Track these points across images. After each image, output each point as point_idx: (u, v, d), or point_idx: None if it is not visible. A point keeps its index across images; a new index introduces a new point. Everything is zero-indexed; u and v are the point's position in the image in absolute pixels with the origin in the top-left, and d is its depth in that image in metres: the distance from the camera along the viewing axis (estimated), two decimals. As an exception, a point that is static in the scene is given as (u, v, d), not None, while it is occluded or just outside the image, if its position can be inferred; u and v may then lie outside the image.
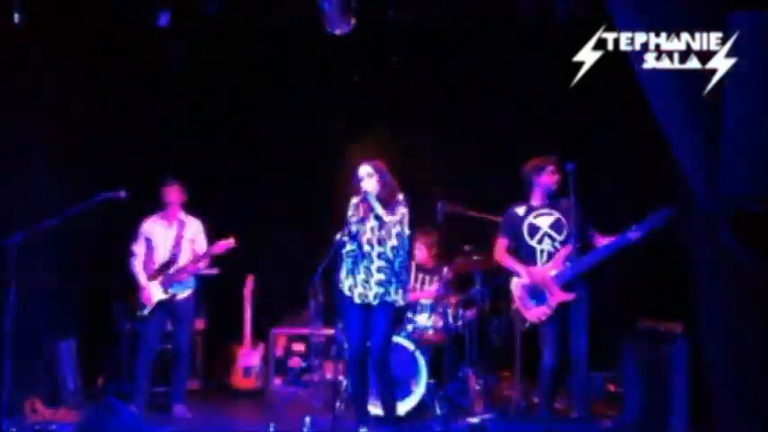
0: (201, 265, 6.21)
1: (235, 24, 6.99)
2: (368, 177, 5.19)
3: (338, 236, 5.10)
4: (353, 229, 5.14)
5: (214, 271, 6.73)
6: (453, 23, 6.86)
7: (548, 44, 6.00)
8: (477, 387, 6.21)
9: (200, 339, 7.05)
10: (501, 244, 5.58)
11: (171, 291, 6.07)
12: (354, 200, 5.25)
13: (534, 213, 5.48)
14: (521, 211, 5.53)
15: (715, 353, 5.24)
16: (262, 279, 7.02)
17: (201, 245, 6.25)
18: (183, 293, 6.14)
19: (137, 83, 6.95)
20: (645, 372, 5.65)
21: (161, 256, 6.15)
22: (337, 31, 6.46)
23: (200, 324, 7.04)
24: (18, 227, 5.34)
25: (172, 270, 6.09)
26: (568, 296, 5.23)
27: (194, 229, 6.27)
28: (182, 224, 6.22)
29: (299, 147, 7.57)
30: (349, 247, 5.17)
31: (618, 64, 4.84)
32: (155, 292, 6.07)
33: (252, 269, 6.99)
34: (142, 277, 6.11)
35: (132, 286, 6.16)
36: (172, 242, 6.16)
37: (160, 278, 6.09)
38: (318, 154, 7.57)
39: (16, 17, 5.20)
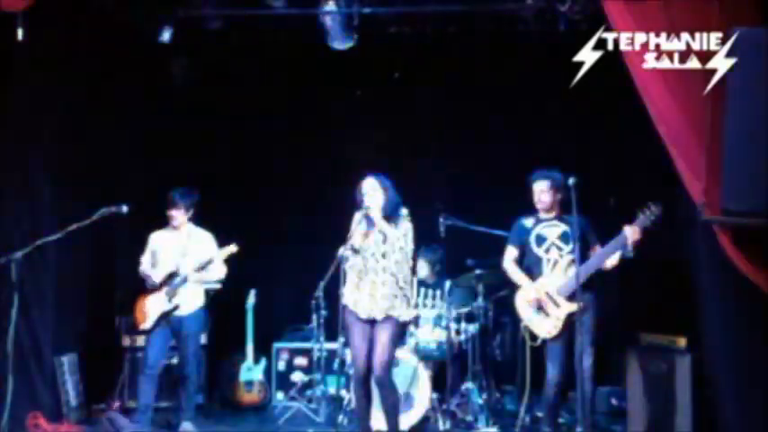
0: (207, 274, 6.04)
1: (236, 40, 7.02)
2: (372, 191, 5.18)
3: (341, 250, 5.10)
4: (357, 243, 5.13)
5: (216, 285, 6.72)
6: (454, 38, 6.88)
7: (550, 57, 6.00)
8: (480, 401, 6.19)
9: (203, 353, 7.02)
10: (509, 253, 5.62)
11: (175, 301, 5.93)
12: (358, 214, 5.24)
13: (542, 224, 5.51)
14: (528, 222, 5.57)
15: (718, 366, 5.23)
16: (264, 293, 7.00)
17: (206, 256, 6.04)
18: (189, 307, 6.00)
19: (138, 98, 6.96)
20: (649, 386, 5.64)
21: (166, 267, 6.02)
22: (339, 47, 6.48)
23: (202, 338, 7.01)
24: (20, 242, 5.34)
25: (177, 280, 5.95)
26: (575, 306, 5.19)
27: (202, 240, 6.13)
28: (188, 235, 6.09)
29: (301, 161, 7.58)
30: (352, 261, 5.17)
31: (621, 81, 4.87)
32: (158, 303, 5.92)
33: (254, 283, 6.97)
34: (153, 275, 5.97)
35: (134, 301, 6.05)
36: (179, 253, 6.02)
37: (165, 288, 5.95)
38: (321, 168, 7.58)
39: (20, 33, 5.21)
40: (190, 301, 6.02)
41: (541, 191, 5.48)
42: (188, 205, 6.06)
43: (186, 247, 6.04)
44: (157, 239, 6.11)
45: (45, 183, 6.10)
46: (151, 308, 5.95)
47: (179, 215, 6.02)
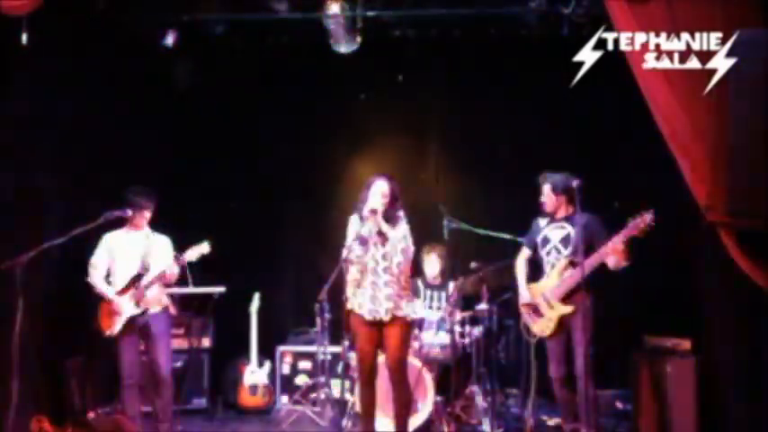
0: (172, 275, 5.71)
1: (240, 44, 7.04)
2: (381, 194, 5.13)
3: (344, 252, 5.09)
4: (358, 246, 5.11)
5: (220, 288, 6.72)
6: (458, 41, 6.89)
7: (553, 60, 6.01)
8: (485, 404, 6.19)
9: (207, 357, 7.04)
10: (522, 253, 5.77)
11: (143, 305, 5.63)
12: (356, 216, 5.22)
13: (552, 226, 5.57)
14: (543, 222, 5.64)
15: (722, 368, 5.23)
16: (268, 296, 7.00)
17: (167, 262, 5.70)
18: (156, 308, 5.73)
19: (141, 101, 6.97)
20: (653, 389, 5.63)
21: (129, 269, 5.69)
22: (343, 50, 6.49)
23: (206, 342, 7.03)
24: (24, 246, 5.35)
25: (144, 282, 5.62)
26: (567, 309, 5.32)
27: (162, 244, 5.82)
28: (148, 237, 5.78)
29: (305, 164, 7.59)
30: (355, 263, 5.16)
31: (625, 82, 4.87)
32: (125, 307, 5.61)
33: (258, 286, 6.98)
34: (108, 290, 5.66)
35: (95, 305, 5.72)
36: (140, 255, 5.70)
37: (131, 291, 5.63)
38: (324, 171, 7.59)
39: (24, 37, 5.22)
40: (156, 301, 5.75)
41: (543, 194, 5.54)
42: (154, 205, 5.78)
43: (148, 247, 5.73)
44: (115, 241, 5.77)
45: (49, 186, 6.12)
46: (118, 312, 5.64)
47: (149, 216, 5.77)
